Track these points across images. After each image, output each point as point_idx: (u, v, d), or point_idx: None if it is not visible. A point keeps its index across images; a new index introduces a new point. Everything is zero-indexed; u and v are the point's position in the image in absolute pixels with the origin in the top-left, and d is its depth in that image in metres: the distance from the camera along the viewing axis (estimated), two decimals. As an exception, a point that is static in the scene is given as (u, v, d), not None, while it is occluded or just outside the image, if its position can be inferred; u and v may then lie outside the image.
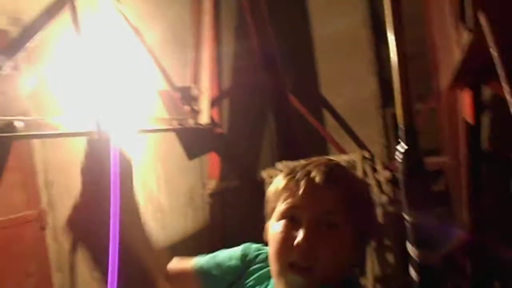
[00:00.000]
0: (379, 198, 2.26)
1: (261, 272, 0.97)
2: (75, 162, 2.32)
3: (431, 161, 2.61)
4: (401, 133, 0.52)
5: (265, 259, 0.96)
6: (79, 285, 2.36)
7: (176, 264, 1.13)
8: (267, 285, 0.93)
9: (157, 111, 1.83)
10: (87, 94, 2.03)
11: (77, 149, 2.30)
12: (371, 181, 2.35)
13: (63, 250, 2.37)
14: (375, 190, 2.31)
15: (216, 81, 2.74)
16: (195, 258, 1.07)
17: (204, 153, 2.28)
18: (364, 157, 2.45)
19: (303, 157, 2.60)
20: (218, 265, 1.04)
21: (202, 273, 1.04)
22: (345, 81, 3.44)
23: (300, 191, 0.80)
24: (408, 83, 0.53)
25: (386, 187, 2.22)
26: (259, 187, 2.45)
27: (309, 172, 0.81)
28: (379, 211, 2.24)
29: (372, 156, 2.49)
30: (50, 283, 2.36)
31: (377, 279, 2.40)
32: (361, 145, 3.28)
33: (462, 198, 2.43)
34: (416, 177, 0.52)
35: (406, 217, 0.50)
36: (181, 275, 1.10)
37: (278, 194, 0.84)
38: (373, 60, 3.39)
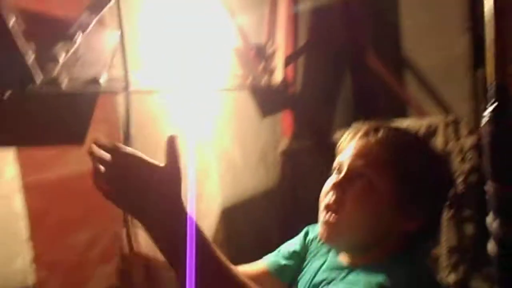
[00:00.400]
0: (461, 166, 2.10)
1: (320, 248, 0.97)
2: (154, 117, 2.44)
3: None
4: (490, 90, 0.45)
5: None
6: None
7: (247, 269, 1.11)
8: (325, 260, 0.92)
9: (231, 69, 1.83)
10: (168, 51, 2.09)
11: (156, 105, 2.41)
12: (453, 148, 2.19)
13: (144, 198, 2.56)
14: (457, 158, 2.15)
15: (292, 39, 2.66)
16: (263, 258, 1.07)
17: (277, 112, 2.27)
18: (447, 121, 2.27)
19: (381, 119, 2.48)
20: (284, 255, 1.06)
21: (273, 268, 1.05)
22: (433, 38, 3.16)
23: (349, 147, 0.84)
24: (503, 36, 0.46)
25: (469, 155, 2.05)
26: (332, 149, 2.41)
27: (366, 131, 0.83)
28: (460, 179, 2.09)
29: (457, 120, 2.30)
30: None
31: (452, 250, 2.29)
32: (445, 109, 3.04)
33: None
34: (503, 140, 0.46)
35: (489, 185, 0.45)
36: (256, 279, 1.10)
37: (337, 151, 0.89)
38: (467, 15, 3.06)
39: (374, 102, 3.03)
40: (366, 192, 0.78)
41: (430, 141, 0.88)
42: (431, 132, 2.25)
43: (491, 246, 0.47)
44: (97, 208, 2.41)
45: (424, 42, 3.21)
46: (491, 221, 0.44)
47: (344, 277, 0.80)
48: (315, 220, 1.02)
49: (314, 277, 0.89)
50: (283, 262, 1.03)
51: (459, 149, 2.15)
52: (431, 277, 0.79)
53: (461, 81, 2.94)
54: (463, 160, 2.11)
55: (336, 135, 2.43)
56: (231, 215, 2.28)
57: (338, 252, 0.89)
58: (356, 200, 0.78)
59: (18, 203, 1.77)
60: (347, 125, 2.53)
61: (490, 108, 0.44)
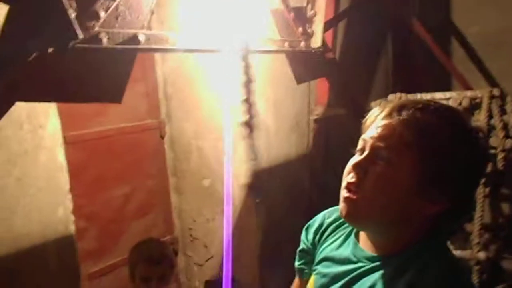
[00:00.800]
0: (503, 143, 2.02)
1: (336, 232, 0.97)
2: (191, 78, 2.47)
3: None
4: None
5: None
6: (189, 190, 2.62)
7: None
8: (346, 248, 0.92)
9: (269, 31, 1.80)
10: (206, 12, 2.07)
11: (194, 65, 2.43)
12: (496, 123, 2.09)
13: (178, 158, 2.63)
14: (500, 134, 2.06)
15: (333, 2, 2.57)
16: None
17: (314, 78, 2.22)
18: (492, 95, 2.17)
19: (421, 91, 2.40)
20: (297, 259, 1.06)
21: (301, 270, 1.05)
22: (484, 5, 2.96)
23: (372, 126, 0.81)
24: None
25: None
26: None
27: (390, 111, 0.80)
28: (501, 156, 2.01)
29: (503, 94, 2.19)
30: (167, 185, 2.66)
31: (485, 228, 2.24)
32: (492, 82, 2.89)
33: None
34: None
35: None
36: None
37: (362, 130, 0.85)
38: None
39: (415, 73, 2.92)
40: (386, 175, 0.77)
41: (463, 117, 0.81)
42: (474, 105, 2.15)
43: None
44: (133, 165, 2.51)
45: (475, 9, 3.02)
46: None
47: (378, 270, 0.80)
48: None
49: (332, 265, 0.90)
50: (296, 265, 1.05)
51: (502, 125, 2.06)
52: (459, 270, 0.79)
53: (512, 53, 2.77)
54: (506, 136, 2.02)
55: (372, 105, 2.37)
56: (263, 179, 2.31)
57: (359, 232, 0.88)
58: (375, 182, 0.77)
59: (60, 156, 1.86)
60: (384, 95, 2.48)
61: None
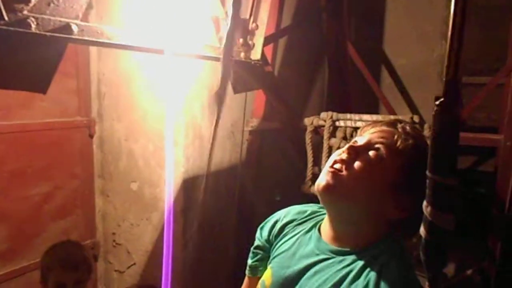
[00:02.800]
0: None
1: (293, 230, 1.00)
2: (127, 78, 2.40)
3: (486, 137, 2.47)
4: (442, 85, 0.48)
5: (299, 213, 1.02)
6: (116, 193, 2.52)
7: None
8: (308, 244, 0.94)
9: (209, 39, 1.81)
10: (148, 12, 2.04)
11: (130, 66, 2.37)
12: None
13: (106, 159, 2.53)
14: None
15: (276, 18, 2.65)
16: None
17: (251, 90, 2.26)
18: (413, 121, 2.34)
19: (351, 112, 2.51)
20: (250, 257, 1.08)
21: (249, 273, 1.07)
22: (412, 41, 3.22)
23: (372, 130, 0.89)
24: (461, 35, 0.48)
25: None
26: (300, 134, 2.43)
27: (393, 122, 0.90)
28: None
29: (422, 121, 2.38)
30: (92, 186, 2.55)
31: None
32: (413, 109, 3.14)
33: (510, 182, 2.31)
34: (447, 135, 0.48)
35: (428, 174, 0.48)
36: None
37: (359, 133, 0.94)
38: (447, 22, 3.13)
39: (347, 95, 3.08)
40: (375, 165, 0.83)
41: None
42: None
43: (421, 229, 0.51)
44: (57, 163, 2.38)
45: (404, 44, 3.27)
46: (425, 207, 0.48)
47: (341, 262, 0.82)
48: (271, 201, 1.06)
49: (294, 257, 0.91)
50: (249, 262, 1.06)
51: (420, 149, 2.23)
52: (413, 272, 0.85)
53: (433, 85, 3.03)
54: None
55: (306, 121, 2.46)
56: (194, 184, 2.29)
57: (321, 227, 0.92)
58: (364, 167, 0.83)
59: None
60: (318, 113, 2.58)
61: (437, 103, 0.46)
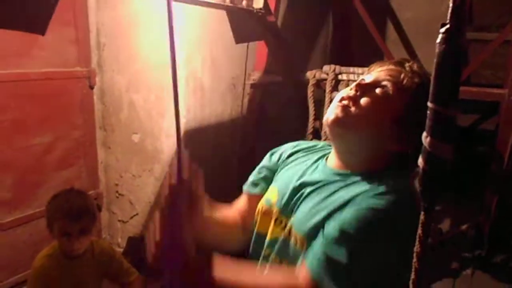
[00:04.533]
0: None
1: (301, 157, 1.03)
2: (127, 29, 2.35)
3: (490, 91, 2.45)
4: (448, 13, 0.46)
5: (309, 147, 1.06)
6: (118, 145, 2.54)
7: (236, 206, 1.12)
8: (314, 166, 0.97)
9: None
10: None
11: (130, 16, 2.32)
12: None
13: (107, 111, 2.52)
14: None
15: (280, -34, 2.56)
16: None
17: (253, 40, 2.22)
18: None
19: (354, 66, 2.47)
20: (253, 174, 1.10)
21: (247, 190, 1.08)
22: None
23: (380, 68, 0.91)
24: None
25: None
26: (302, 87, 2.41)
27: (401, 61, 0.91)
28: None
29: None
30: (94, 138, 2.56)
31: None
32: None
33: (511, 137, 2.32)
34: (450, 63, 0.47)
35: (429, 104, 0.48)
36: (243, 208, 1.10)
37: (367, 72, 0.94)
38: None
39: (351, 49, 3.02)
40: (382, 99, 0.86)
41: None
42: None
43: (420, 160, 0.50)
44: (57, 114, 2.37)
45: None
46: (424, 138, 0.47)
47: (350, 183, 0.85)
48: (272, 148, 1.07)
49: (302, 176, 0.94)
50: (252, 179, 1.08)
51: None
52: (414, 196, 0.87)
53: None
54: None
55: (308, 75, 2.43)
56: (195, 136, 2.29)
57: (328, 158, 0.96)
58: (371, 101, 0.86)
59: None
60: (320, 67, 2.54)
61: (442, 30, 0.44)
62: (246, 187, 1.09)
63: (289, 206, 0.93)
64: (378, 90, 0.87)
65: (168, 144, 2.31)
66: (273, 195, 0.99)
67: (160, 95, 2.26)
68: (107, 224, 2.71)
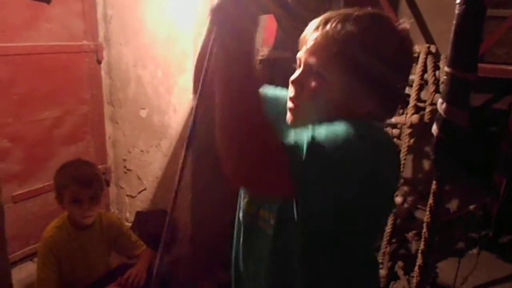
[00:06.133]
0: (433, 97, 2.13)
1: None
2: (134, 0, 2.31)
3: (504, 68, 2.41)
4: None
5: None
6: (125, 120, 2.54)
7: None
8: None
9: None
10: None
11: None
12: (429, 78, 2.20)
13: (115, 85, 2.51)
14: (430, 88, 2.17)
15: None
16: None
17: (262, 14, 2.17)
18: (429, 51, 2.26)
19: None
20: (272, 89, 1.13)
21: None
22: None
23: (304, 41, 0.85)
24: None
25: (443, 87, 2.07)
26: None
27: (317, 25, 0.83)
28: (428, 110, 2.12)
29: (439, 52, 2.29)
30: (101, 113, 2.56)
31: (405, 181, 2.41)
32: (430, 40, 3.01)
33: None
34: (470, 28, 0.45)
35: (447, 69, 0.45)
36: None
37: (299, 46, 0.88)
38: None
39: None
40: (319, 86, 0.83)
41: (385, 20, 0.84)
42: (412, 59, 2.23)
43: (434, 128, 0.48)
44: (65, 88, 2.36)
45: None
46: (440, 104, 0.45)
47: None
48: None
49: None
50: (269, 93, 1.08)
51: (434, 80, 2.16)
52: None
53: (454, 15, 2.87)
54: (435, 91, 2.13)
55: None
56: (201, 111, 2.27)
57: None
58: (311, 94, 0.84)
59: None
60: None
61: None
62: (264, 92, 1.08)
63: None
64: (311, 76, 0.83)
65: (175, 120, 2.30)
66: None
67: (167, 71, 2.24)
68: (115, 199, 2.73)
